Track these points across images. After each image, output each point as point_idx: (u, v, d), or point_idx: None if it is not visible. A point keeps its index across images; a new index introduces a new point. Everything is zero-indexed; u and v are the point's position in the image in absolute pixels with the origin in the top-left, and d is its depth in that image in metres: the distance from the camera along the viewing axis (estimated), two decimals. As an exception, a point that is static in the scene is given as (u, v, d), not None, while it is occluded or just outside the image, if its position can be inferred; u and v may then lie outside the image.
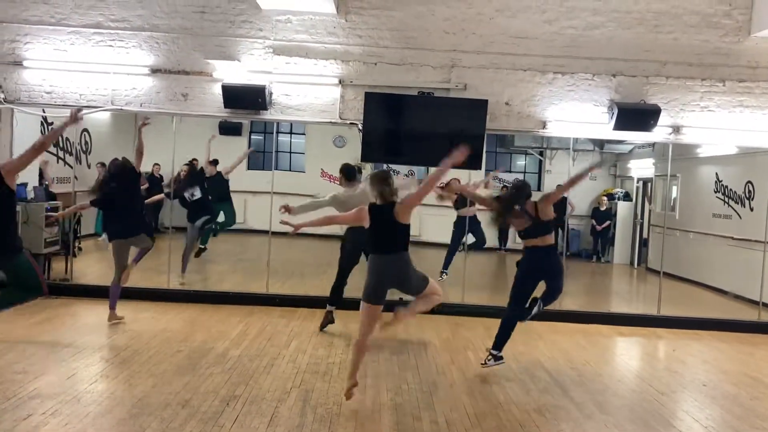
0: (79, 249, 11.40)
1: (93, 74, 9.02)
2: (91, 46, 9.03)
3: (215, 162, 11.20)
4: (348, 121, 9.10)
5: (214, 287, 9.48)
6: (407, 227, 5.42)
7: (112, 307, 7.65)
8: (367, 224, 5.45)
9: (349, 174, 7.92)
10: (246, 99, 8.87)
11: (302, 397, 5.55)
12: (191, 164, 11.11)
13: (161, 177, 14.57)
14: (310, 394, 5.63)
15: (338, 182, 8.14)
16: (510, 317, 6.66)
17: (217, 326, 7.77)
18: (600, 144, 15.52)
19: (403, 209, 5.34)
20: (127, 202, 7.63)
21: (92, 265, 11.12)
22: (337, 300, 7.89)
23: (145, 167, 14.16)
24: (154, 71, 9.05)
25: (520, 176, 17.42)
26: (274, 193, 10.41)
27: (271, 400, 5.43)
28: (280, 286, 9.76)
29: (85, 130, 13.02)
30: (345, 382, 5.56)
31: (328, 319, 7.87)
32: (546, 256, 6.55)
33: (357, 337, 5.57)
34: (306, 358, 6.70)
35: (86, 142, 13.23)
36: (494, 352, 6.57)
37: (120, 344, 6.84)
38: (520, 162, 17.62)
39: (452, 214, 13.99)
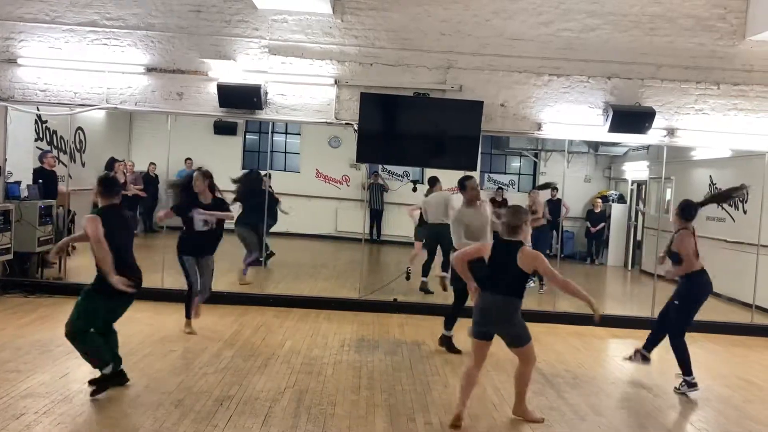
0: (73, 248, 11.33)
1: (88, 72, 8.99)
2: (86, 44, 9.00)
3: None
4: (343, 122, 9.10)
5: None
6: (525, 276, 5.17)
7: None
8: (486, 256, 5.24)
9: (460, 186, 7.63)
10: (241, 98, 8.86)
11: (296, 398, 5.54)
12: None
13: (156, 176, 14.56)
14: (303, 395, 5.62)
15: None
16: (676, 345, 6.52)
17: (211, 326, 7.74)
18: (595, 146, 15.58)
19: (528, 261, 5.11)
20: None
21: (86, 264, 11.02)
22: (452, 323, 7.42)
23: (141, 166, 14.24)
24: (150, 70, 9.02)
25: (515, 178, 17.49)
26: (269, 193, 10.41)
27: (264, 400, 5.42)
28: (275, 286, 9.76)
29: (80, 128, 12.99)
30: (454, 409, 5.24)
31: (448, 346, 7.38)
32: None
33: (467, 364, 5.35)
34: (300, 359, 6.69)
35: (80, 141, 13.19)
36: (688, 379, 6.38)
37: (113, 344, 6.81)
38: (515, 164, 17.65)
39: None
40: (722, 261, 11.46)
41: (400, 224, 16.36)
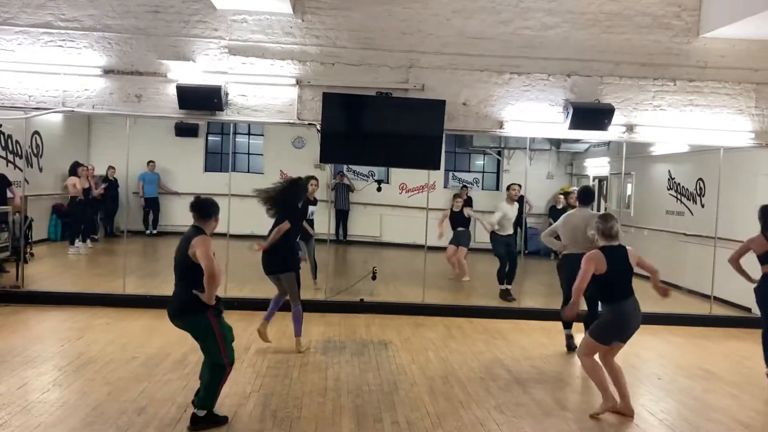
0: (31, 255, 11.09)
1: (43, 75, 8.78)
2: (40, 46, 8.79)
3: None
4: (306, 122, 9.04)
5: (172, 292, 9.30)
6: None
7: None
8: (603, 269, 5.41)
9: (585, 198, 7.85)
10: (201, 100, 8.74)
11: (262, 402, 5.49)
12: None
13: (116, 180, 14.31)
14: (269, 399, 5.57)
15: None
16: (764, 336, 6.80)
17: (174, 331, 7.50)
18: (556, 143, 15.76)
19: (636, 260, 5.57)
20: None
21: (44, 271, 10.83)
22: (569, 322, 7.77)
23: (100, 170, 13.98)
24: (107, 72, 8.86)
25: (479, 176, 17.61)
26: (232, 195, 10.29)
27: (230, 405, 5.35)
28: (239, 289, 9.63)
29: (36, 132, 12.70)
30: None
31: (570, 343, 7.80)
32: None
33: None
34: (266, 362, 6.64)
35: (37, 145, 12.90)
36: None
37: (74, 352, 6.67)
38: (479, 162, 17.76)
39: (413, 214, 13.99)
40: (682, 254, 11.73)
41: (365, 224, 16.38)
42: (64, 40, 8.82)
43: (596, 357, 5.66)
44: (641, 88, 9.26)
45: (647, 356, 7.77)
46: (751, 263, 6.86)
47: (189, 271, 4.85)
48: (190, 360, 6.55)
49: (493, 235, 10.49)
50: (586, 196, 7.90)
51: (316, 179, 10.00)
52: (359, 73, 9.01)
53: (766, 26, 8.47)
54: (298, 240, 7.55)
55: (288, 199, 7.15)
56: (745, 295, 9.84)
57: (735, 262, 6.85)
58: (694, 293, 11.02)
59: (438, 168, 9.29)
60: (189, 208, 4.99)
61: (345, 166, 16.19)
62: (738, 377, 6.96)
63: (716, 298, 9.92)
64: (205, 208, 4.99)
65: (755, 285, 6.81)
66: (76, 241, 12.48)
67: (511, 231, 10.47)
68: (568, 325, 7.83)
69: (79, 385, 5.69)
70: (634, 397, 6.12)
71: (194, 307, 4.86)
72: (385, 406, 5.54)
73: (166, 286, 9.66)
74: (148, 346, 7.00)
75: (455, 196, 12.37)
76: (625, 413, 5.58)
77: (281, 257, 7.07)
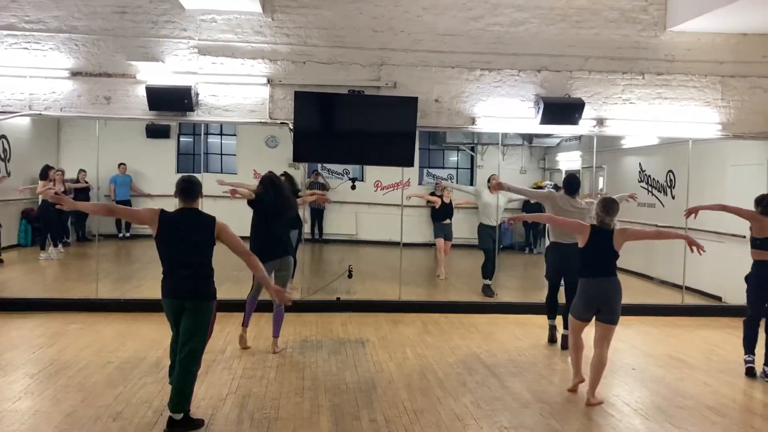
0: (1, 261, 10.91)
1: (8, 78, 8.63)
2: (3, 48, 8.64)
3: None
4: (278, 121, 9.00)
5: (146, 295, 9.21)
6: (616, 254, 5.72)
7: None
8: (582, 243, 5.79)
9: (570, 187, 7.70)
10: (171, 100, 8.66)
11: (238, 403, 5.46)
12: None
13: (87, 183, 14.11)
14: (246, 400, 5.55)
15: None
16: (747, 324, 6.81)
17: (149, 335, 7.55)
18: (529, 138, 15.86)
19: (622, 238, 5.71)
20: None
21: (15, 277, 10.66)
22: (553, 312, 7.95)
23: (71, 174, 13.77)
24: (75, 74, 8.73)
25: (453, 172, 17.67)
26: (205, 196, 10.20)
27: (206, 407, 5.32)
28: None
29: (3, 136, 12.48)
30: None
31: (552, 335, 7.93)
32: None
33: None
34: (242, 364, 6.60)
35: (5, 149, 12.67)
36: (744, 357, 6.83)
37: (46, 359, 6.57)
38: (453, 158, 17.82)
39: (389, 211, 13.99)
40: (653, 245, 11.85)
41: (341, 223, 16.35)
42: (29, 42, 8.68)
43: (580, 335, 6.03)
44: (610, 82, 9.37)
45: (621, 347, 7.85)
46: (736, 252, 6.96)
47: (210, 255, 5.22)
48: (165, 363, 6.46)
49: (482, 227, 10.48)
50: (572, 185, 7.72)
51: (285, 174, 9.94)
52: (331, 72, 8.99)
53: (729, 20, 8.65)
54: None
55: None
56: (715, 284, 10.07)
57: (723, 207, 7.01)
58: (666, 284, 11.18)
59: (412, 165, 9.30)
60: (178, 190, 5.09)
61: (319, 165, 16.13)
62: (709, 365, 7.08)
63: (687, 288, 10.07)
64: (193, 189, 5.16)
65: (747, 273, 6.81)
66: (48, 246, 12.28)
67: (495, 222, 10.44)
68: (552, 316, 7.90)
69: (52, 392, 5.61)
70: (609, 387, 6.21)
71: (211, 294, 5.20)
72: (363, 404, 5.54)
73: (139, 289, 9.62)
74: (123, 351, 6.93)
75: (442, 189, 12.32)
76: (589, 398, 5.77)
77: (283, 241, 7.33)
